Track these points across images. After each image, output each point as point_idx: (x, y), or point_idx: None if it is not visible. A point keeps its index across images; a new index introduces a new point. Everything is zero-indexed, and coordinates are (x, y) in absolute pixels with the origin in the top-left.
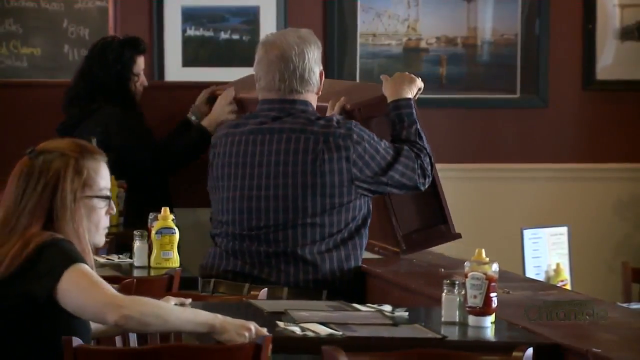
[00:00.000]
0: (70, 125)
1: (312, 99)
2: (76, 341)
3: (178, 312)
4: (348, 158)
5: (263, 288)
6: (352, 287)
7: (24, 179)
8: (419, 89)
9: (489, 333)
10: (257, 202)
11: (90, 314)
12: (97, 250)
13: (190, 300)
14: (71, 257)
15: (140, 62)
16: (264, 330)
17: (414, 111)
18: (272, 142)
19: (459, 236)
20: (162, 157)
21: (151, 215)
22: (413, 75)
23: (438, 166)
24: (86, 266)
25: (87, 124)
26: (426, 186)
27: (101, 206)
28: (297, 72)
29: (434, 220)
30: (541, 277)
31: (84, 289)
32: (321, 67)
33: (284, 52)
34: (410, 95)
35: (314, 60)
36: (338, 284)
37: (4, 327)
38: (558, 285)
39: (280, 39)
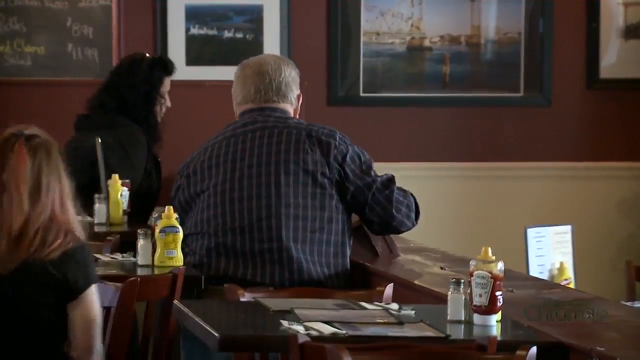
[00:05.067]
0: (93, 126)
1: (290, 110)
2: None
3: None
4: (329, 156)
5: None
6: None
7: (37, 158)
8: None
9: (494, 332)
10: (240, 192)
11: (76, 340)
12: (101, 249)
13: None
14: (94, 271)
15: (167, 83)
16: None
17: None
18: (255, 139)
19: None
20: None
21: (155, 214)
22: None
23: (441, 165)
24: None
25: (109, 133)
26: (410, 227)
27: None
28: (273, 84)
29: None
30: (545, 276)
31: (92, 319)
32: (299, 91)
33: (260, 67)
34: None
35: (291, 78)
36: (322, 285)
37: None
38: (562, 284)
39: (258, 58)
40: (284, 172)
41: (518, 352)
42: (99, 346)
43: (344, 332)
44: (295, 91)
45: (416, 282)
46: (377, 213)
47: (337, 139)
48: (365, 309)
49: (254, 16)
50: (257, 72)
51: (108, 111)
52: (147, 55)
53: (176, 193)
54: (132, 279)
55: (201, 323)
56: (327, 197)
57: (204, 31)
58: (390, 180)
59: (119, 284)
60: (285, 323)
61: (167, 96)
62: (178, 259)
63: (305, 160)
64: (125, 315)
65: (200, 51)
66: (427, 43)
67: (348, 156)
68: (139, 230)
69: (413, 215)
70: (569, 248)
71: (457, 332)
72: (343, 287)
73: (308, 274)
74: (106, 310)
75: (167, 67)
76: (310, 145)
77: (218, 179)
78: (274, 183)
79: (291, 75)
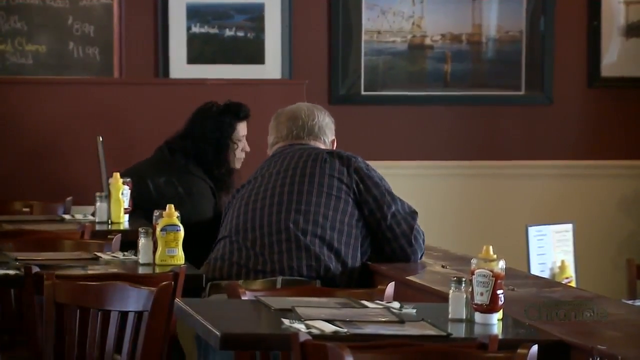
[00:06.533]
0: (172, 169)
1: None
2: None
3: None
4: (349, 167)
5: (256, 281)
6: (349, 284)
7: None
8: None
9: (496, 330)
10: (256, 196)
11: None
12: (102, 247)
13: None
14: None
15: (241, 128)
16: None
17: None
18: (279, 159)
19: None
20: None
21: (156, 213)
22: None
23: (443, 163)
24: None
25: (182, 180)
26: (417, 260)
27: None
28: (305, 127)
29: None
30: (546, 274)
31: None
32: (334, 137)
33: (293, 113)
34: None
35: (324, 123)
36: (331, 276)
37: None
38: (563, 282)
39: (292, 106)
40: (300, 174)
41: (519, 351)
42: None
43: (345, 330)
44: (329, 136)
45: (417, 280)
46: (396, 234)
47: (359, 159)
48: (367, 307)
49: (255, 15)
50: (290, 118)
51: (189, 158)
52: (219, 103)
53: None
54: (165, 282)
55: (202, 321)
56: (343, 202)
57: (205, 30)
58: (415, 212)
59: (153, 288)
60: (286, 321)
61: (244, 141)
62: (179, 257)
63: (323, 167)
64: (159, 320)
65: (202, 50)
66: (428, 41)
67: (368, 172)
68: (140, 229)
69: (422, 251)
70: (570, 246)
71: (459, 331)
72: (354, 286)
73: (316, 262)
74: (138, 315)
75: (237, 112)
76: (330, 157)
77: (242, 195)
78: (288, 184)
79: (324, 121)
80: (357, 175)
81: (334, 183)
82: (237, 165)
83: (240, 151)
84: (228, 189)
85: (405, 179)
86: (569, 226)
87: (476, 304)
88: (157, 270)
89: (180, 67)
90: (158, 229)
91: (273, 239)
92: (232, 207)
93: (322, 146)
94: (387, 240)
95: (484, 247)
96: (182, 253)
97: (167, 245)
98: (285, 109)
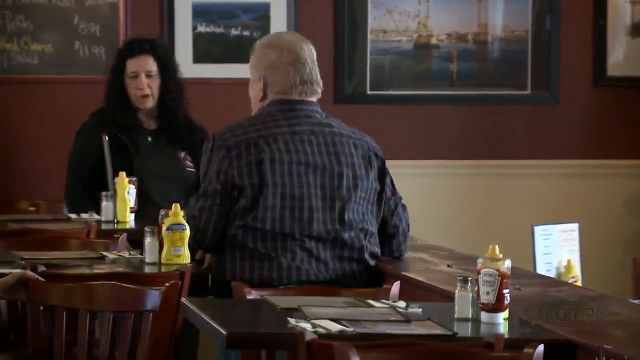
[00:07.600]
0: None
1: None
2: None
3: None
4: (384, 169)
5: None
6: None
7: None
8: None
9: (502, 329)
10: (323, 201)
11: None
12: (107, 246)
13: None
14: None
15: (130, 65)
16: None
17: None
18: (322, 144)
19: None
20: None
21: (162, 212)
22: None
23: (448, 162)
24: None
25: None
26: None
27: None
28: (312, 75)
29: None
30: (552, 274)
31: None
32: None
33: (297, 54)
34: None
35: (316, 60)
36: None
37: None
38: (569, 281)
39: (288, 40)
40: (360, 189)
41: (525, 350)
42: None
43: (351, 329)
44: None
45: (423, 280)
46: (397, 231)
47: (382, 154)
48: (373, 306)
49: (261, 14)
50: (296, 60)
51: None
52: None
53: (220, 167)
54: (172, 282)
55: (208, 320)
56: (376, 215)
57: (210, 29)
58: (405, 206)
59: (159, 288)
60: (292, 321)
61: (138, 78)
62: (185, 256)
63: (371, 180)
64: (165, 319)
65: (207, 49)
66: (434, 41)
67: (389, 174)
68: (145, 228)
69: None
70: (576, 246)
71: (465, 330)
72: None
73: (367, 274)
74: (145, 315)
75: (122, 49)
76: (371, 161)
77: (292, 180)
78: (353, 200)
79: (316, 57)
80: (389, 181)
81: (374, 199)
82: (141, 104)
83: (134, 89)
84: (130, 128)
85: (410, 178)
86: (575, 225)
87: (482, 303)
88: (163, 269)
89: (185, 66)
90: (164, 228)
91: (345, 254)
92: (277, 188)
93: (319, 95)
94: (388, 236)
95: (490, 247)
96: (188, 252)
97: (173, 245)
98: (284, 45)
